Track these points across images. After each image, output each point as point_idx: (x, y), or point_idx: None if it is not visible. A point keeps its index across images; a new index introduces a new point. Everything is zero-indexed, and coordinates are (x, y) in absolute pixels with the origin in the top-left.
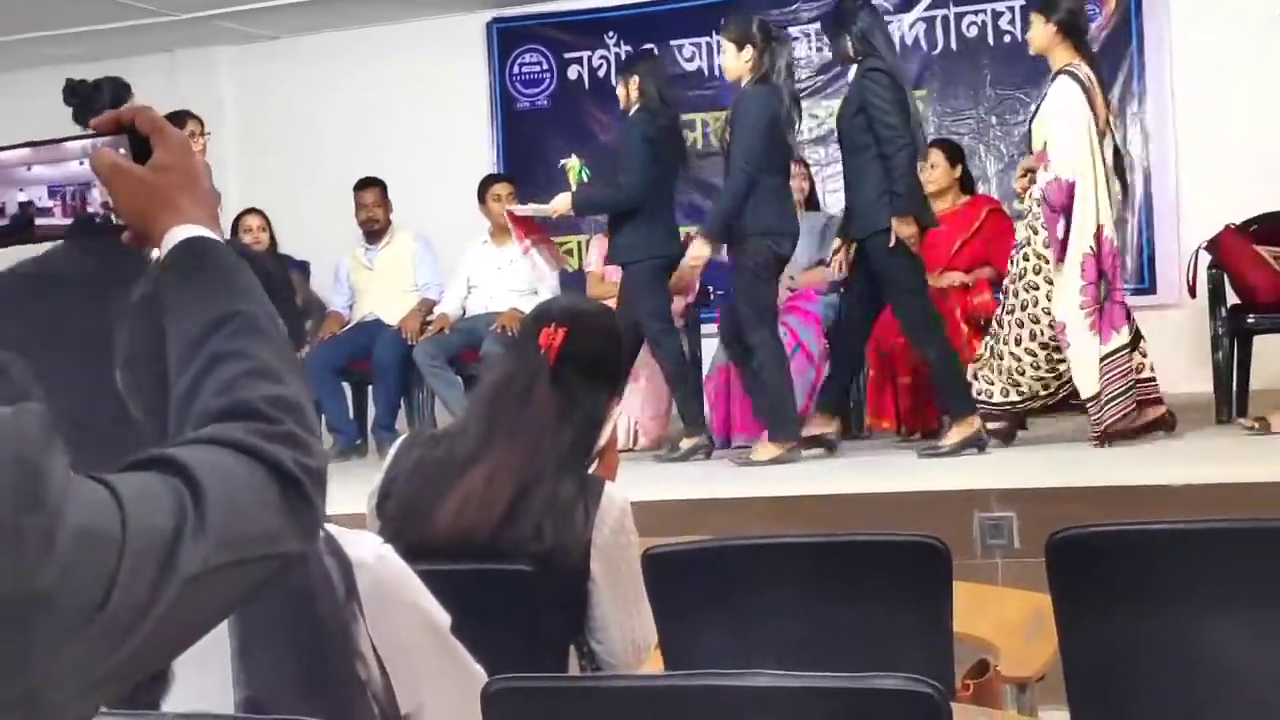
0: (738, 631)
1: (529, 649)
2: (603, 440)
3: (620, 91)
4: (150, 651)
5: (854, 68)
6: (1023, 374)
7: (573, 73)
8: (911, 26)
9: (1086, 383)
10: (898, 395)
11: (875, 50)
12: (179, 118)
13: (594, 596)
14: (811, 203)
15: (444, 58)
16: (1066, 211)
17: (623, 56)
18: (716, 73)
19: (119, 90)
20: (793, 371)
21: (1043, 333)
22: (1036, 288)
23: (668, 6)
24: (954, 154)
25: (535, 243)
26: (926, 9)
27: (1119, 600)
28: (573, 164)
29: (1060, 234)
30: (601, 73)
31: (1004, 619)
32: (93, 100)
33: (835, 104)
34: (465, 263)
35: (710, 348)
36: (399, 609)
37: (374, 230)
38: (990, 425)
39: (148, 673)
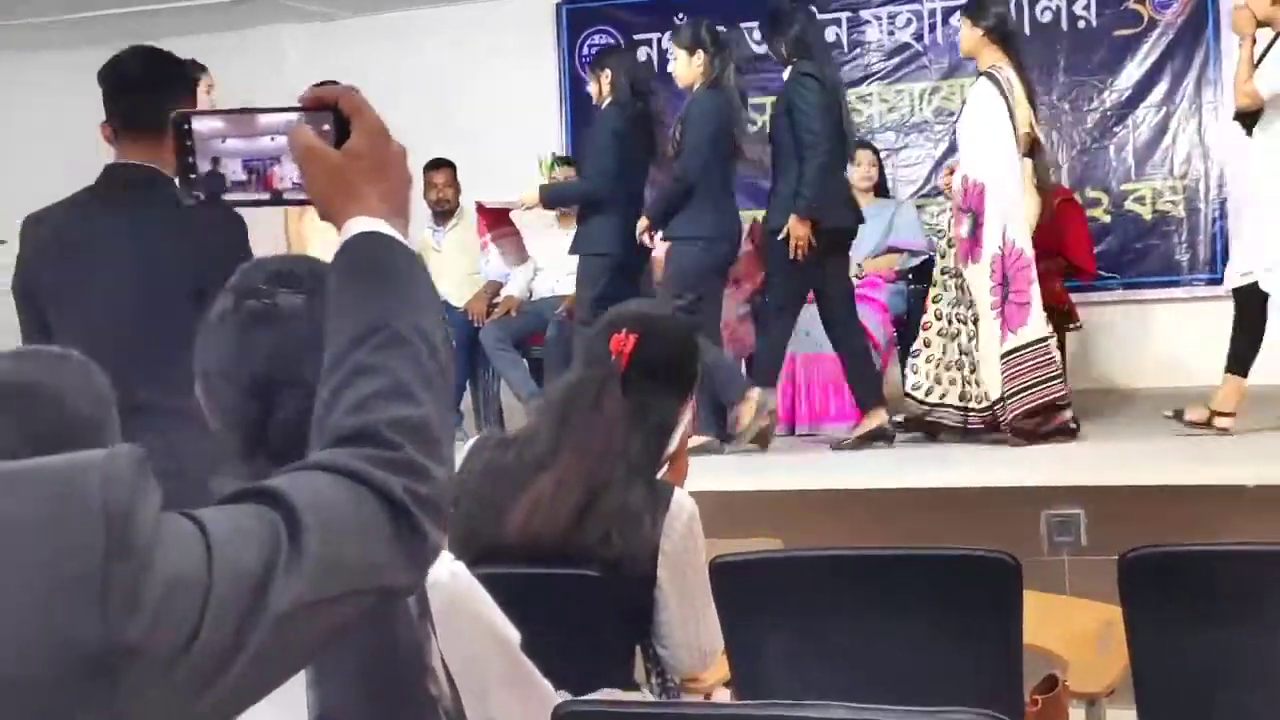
0: (805, 642)
1: (595, 654)
2: (673, 447)
3: (592, 87)
4: (242, 690)
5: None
6: (947, 368)
7: (641, 54)
8: None
9: (992, 382)
10: None
11: (809, 54)
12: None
13: (660, 602)
14: (880, 190)
15: (513, 39)
16: (977, 212)
17: None
18: None
19: (194, 70)
20: None
21: (957, 331)
22: (956, 288)
23: None
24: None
25: (496, 236)
26: None
27: (1192, 620)
28: (545, 158)
29: (965, 233)
30: (671, 55)
31: (1073, 631)
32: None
33: (908, 88)
34: (532, 245)
35: None
36: (470, 626)
37: (443, 211)
38: (929, 420)
39: (241, 710)
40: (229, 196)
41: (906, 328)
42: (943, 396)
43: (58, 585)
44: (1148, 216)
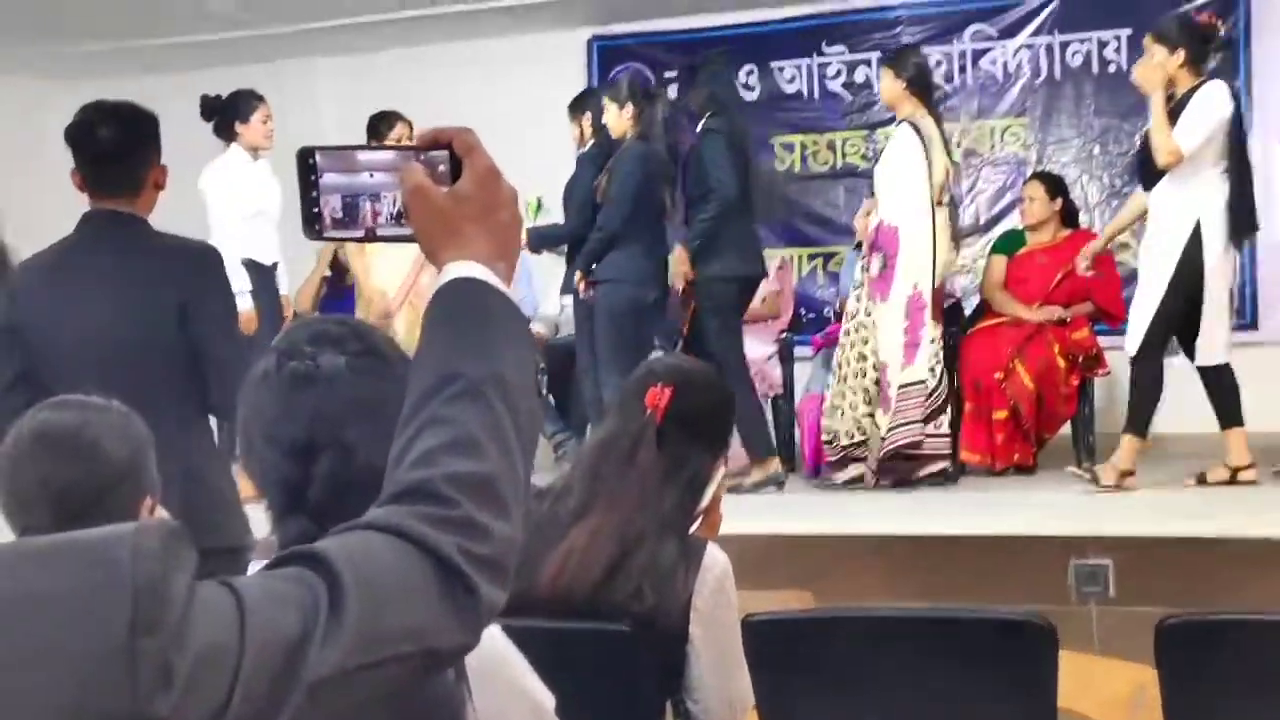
0: (837, 703)
1: (626, 709)
2: (706, 501)
3: (573, 130)
4: None
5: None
6: (855, 410)
7: (672, 91)
8: (1015, 53)
9: (884, 420)
10: (991, 430)
11: (722, 108)
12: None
13: (692, 658)
14: None
15: (545, 73)
16: (888, 253)
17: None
18: (816, 95)
19: (252, 100)
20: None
21: (866, 373)
22: (866, 328)
23: (768, 28)
24: (1054, 186)
25: None
26: (1031, 35)
27: (1231, 690)
28: (531, 201)
29: (875, 271)
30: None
31: (1106, 694)
32: (228, 113)
33: None
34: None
35: (802, 374)
36: (505, 689)
37: None
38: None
39: None
40: (329, 234)
41: None
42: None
43: (88, 660)
44: None
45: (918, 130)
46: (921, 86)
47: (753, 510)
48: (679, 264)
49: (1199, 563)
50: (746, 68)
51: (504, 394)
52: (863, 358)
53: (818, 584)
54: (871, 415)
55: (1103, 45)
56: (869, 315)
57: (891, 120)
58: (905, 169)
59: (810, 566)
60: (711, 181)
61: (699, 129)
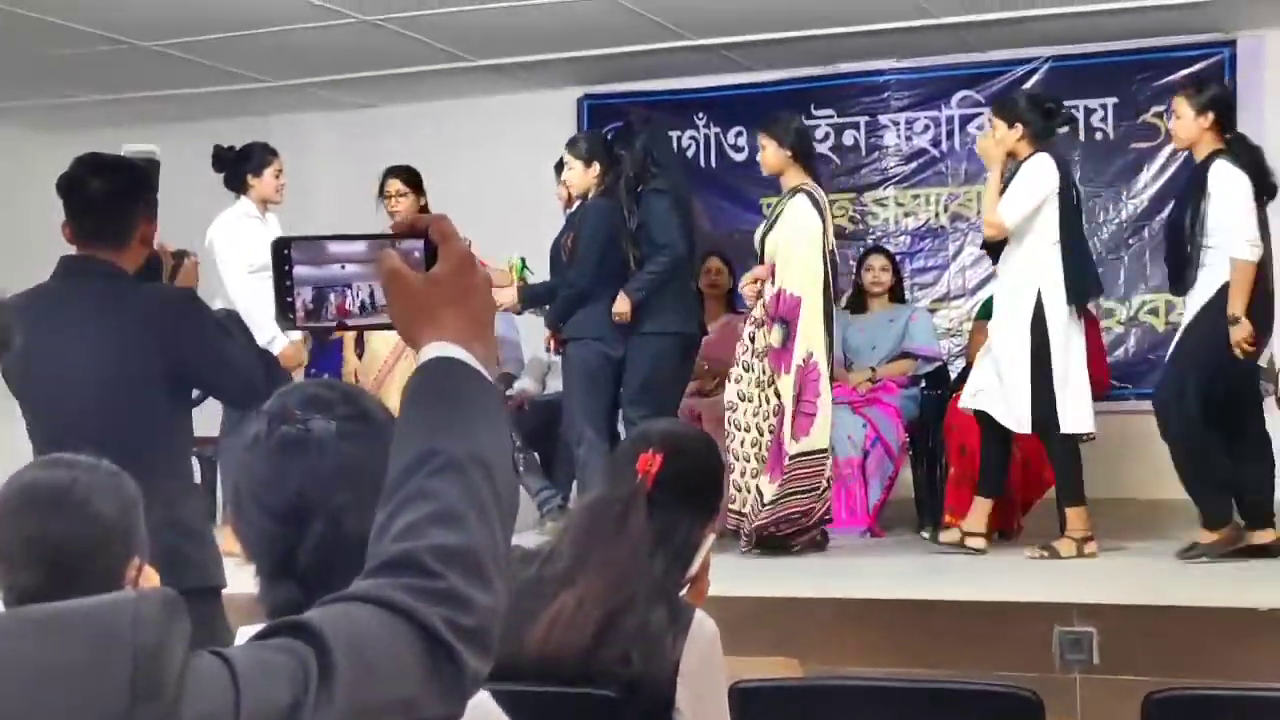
0: None
1: None
2: (695, 568)
3: (559, 190)
4: None
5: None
6: (744, 476)
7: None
8: None
9: (768, 487)
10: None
11: (664, 169)
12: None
13: None
14: (895, 295)
15: (535, 132)
16: (790, 322)
17: (712, 139)
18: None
19: (265, 153)
20: (872, 464)
21: (756, 441)
22: (751, 399)
23: (757, 90)
24: None
25: None
26: None
27: None
28: (514, 261)
29: (776, 342)
30: (690, 153)
31: None
32: (240, 165)
33: (925, 193)
34: (546, 339)
35: None
36: None
37: None
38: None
39: None
40: (303, 324)
41: (919, 433)
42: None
43: None
44: (1161, 328)
45: (813, 198)
46: (804, 153)
47: (733, 572)
48: (621, 307)
49: (1184, 632)
50: (735, 129)
51: (484, 470)
52: (754, 428)
53: (798, 648)
54: (756, 482)
55: (1089, 113)
56: (761, 386)
57: (880, 184)
58: (803, 237)
59: (791, 630)
60: (661, 238)
61: (644, 189)
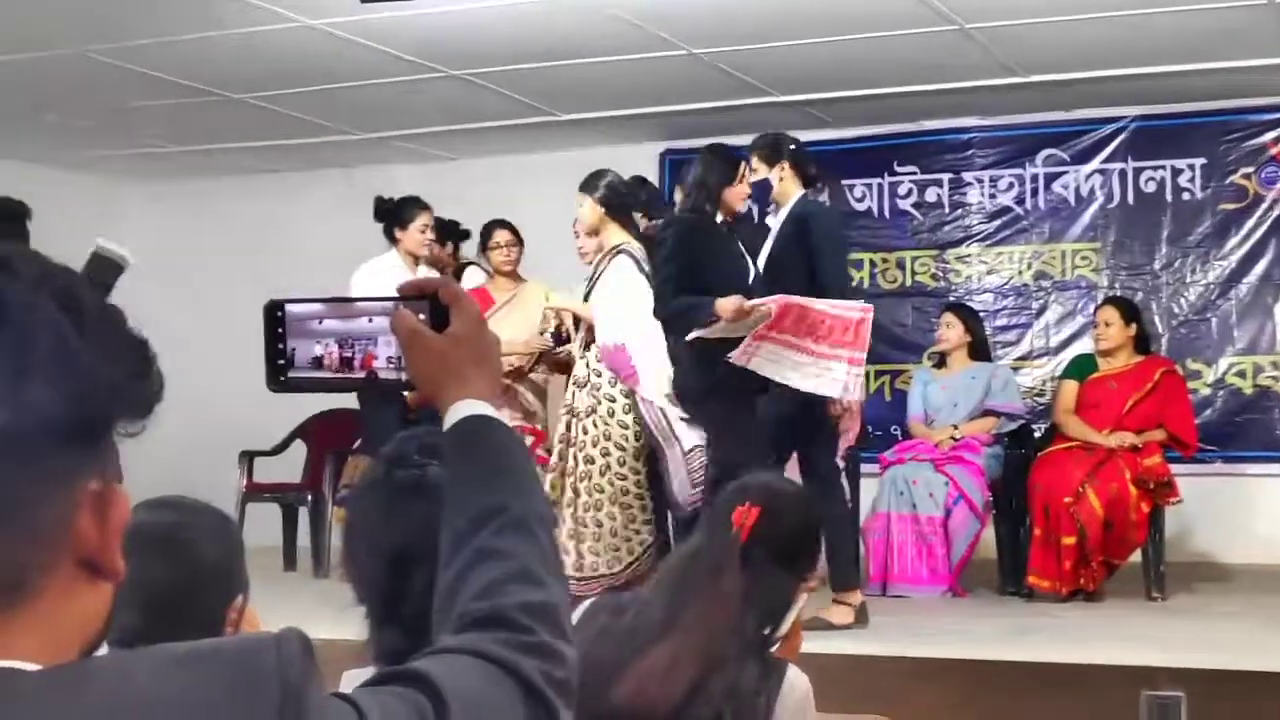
0: None
1: None
2: (787, 626)
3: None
4: None
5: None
6: (622, 528)
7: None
8: (1088, 178)
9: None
10: (1060, 555)
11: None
12: (418, 204)
13: None
14: (978, 352)
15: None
16: (626, 375)
17: None
18: (887, 214)
19: (414, 207)
20: (955, 523)
21: (632, 487)
22: (609, 454)
23: (840, 146)
24: (1129, 311)
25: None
26: (1104, 161)
27: None
28: (554, 297)
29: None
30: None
31: None
32: (392, 217)
33: (1009, 250)
34: None
35: (870, 490)
36: None
37: None
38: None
39: None
40: (293, 385)
41: (1002, 491)
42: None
43: None
44: (1248, 390)
45: (634, 259)
46: (618, 208)
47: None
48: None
49: (1276, 697)
50: (817, 185)
51: (544, 527)
52: (624, 476)
53: (878, 707)
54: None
55: (1176, 173)
56: (609, 439)
57: (963, 241)
58: (625, 297)
59: (878, 689)
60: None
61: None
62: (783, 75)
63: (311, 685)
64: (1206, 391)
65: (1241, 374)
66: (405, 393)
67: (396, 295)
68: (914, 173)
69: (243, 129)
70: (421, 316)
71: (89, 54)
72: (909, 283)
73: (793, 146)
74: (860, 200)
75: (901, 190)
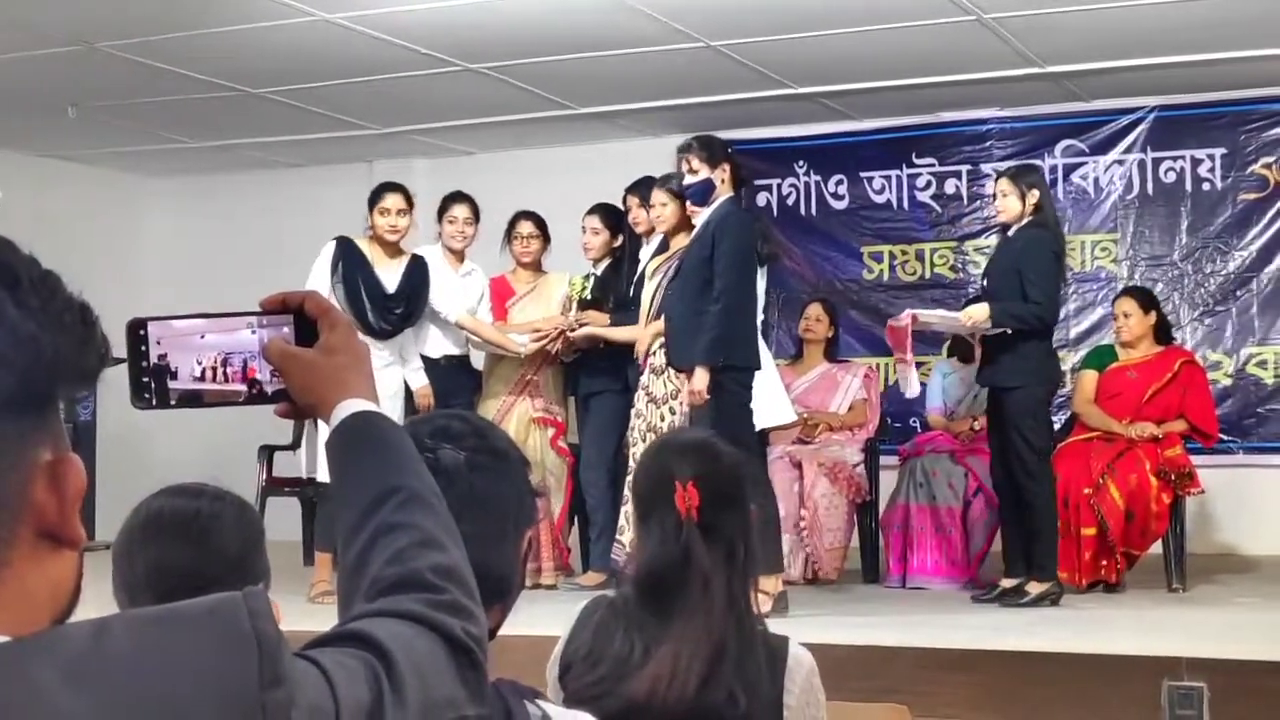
0: None
1: None
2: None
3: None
4: None
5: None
6: None
7: (761, 199)
8: (1107, 169)
9: None
10: (1079, 546)
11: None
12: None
13: None
14: None
15: (634, 178)
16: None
17: (812, 187)
18: (906, 206)
19: (450, 202)
20: (974, 514)
21: None
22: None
23: (858, 138)
24: (1148, 301)
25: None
26: (1123, 152)
27: None
28: (576, 280)
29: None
30: (790, 200)
31: None
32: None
33: None
34: None
35: (888, 481)
36: None
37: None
38: None
39: None
40: (157, 404)
41: None
42: None
43: (227, 712)
44: (1269, 381)
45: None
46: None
47: (831, 619)
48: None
49: None
50: (836, 177)
51: (439, 499)
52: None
53: (898, 697)
54: None
55: (1196, 163)
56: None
57: (981, 232)
58: None
59: (895, 679)
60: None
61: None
62: (800, 67)
63: (283, 643)
64: (1227, 382)
65: (1263, 364)
66: (274, 405)
67: (259, 309)
68: (932, 164)
69: (262, 124)
70: (286, 330)
71: (109, 50)
72: (928, 274)
73: (729, 149)
74: (879, 192)
75: (920, 182)
